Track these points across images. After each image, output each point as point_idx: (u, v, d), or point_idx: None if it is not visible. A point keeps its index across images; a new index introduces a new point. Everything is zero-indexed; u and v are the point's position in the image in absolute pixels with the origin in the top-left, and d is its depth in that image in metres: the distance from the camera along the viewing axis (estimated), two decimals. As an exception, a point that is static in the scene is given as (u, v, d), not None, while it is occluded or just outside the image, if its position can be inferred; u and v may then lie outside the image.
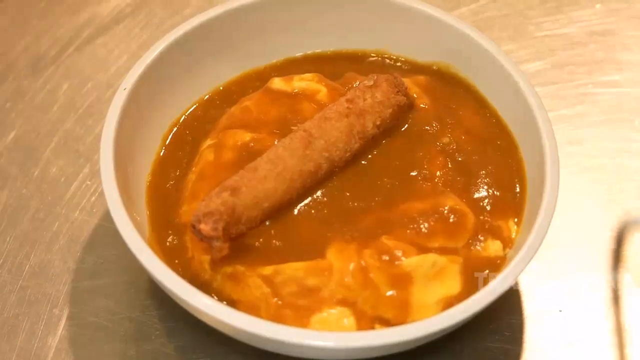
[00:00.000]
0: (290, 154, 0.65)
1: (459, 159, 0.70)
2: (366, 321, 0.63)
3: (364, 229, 0.65)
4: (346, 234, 0.65)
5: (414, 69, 0.79)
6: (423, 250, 0.64)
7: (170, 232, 0.69)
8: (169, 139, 0.75)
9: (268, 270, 0.63)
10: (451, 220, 0.66)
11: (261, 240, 0.65)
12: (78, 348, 0.70)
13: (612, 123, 0.86)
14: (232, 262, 0.64)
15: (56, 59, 0.91)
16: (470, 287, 0.65)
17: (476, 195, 0.69)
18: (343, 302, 0.63)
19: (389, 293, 0.63)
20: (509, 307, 0.72)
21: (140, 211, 0.69)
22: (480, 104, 0.76)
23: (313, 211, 0.67)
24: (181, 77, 0.76)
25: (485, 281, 0.65)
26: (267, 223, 0.65)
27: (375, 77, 0.71)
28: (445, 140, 0.71)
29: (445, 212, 0.66)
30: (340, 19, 0.80)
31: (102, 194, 0.73)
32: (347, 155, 0.68)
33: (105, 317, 0.71)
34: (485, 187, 0.70)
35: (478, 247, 0.66)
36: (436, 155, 0.70)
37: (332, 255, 0.64)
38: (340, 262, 0.63)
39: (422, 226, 0.65)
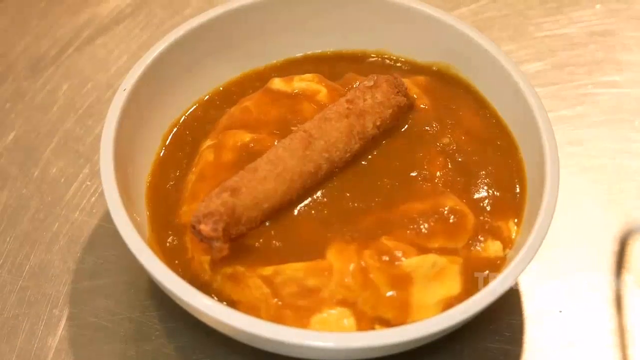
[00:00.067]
0: (290, 155, 0.65)
1: (459, 159, 0.70)
2: (366, 322, 0.63)
3: (364, 230, 0.65)
4: (346, 234, 0.65)
5: (414, 69, 0.79)
6: (423, 250, 0.64)
7: (170, 232, 0.69)
8: (168, 140, 0.75)
9: (268, 270, 0.63)
10: (451, 220, 0.66)
11: (261, 240, 0.65)
12: (78, 348, 0.70)
13: (612, 123, 0.86)
14: (232, 263, 0.64)
15: (56, 60, 0.91)
16: (471, 287, 0.65)
17: (476, 196, 0.69)
18: (343, 303, 0.63)
19: (389, 293, 0.63)
20: (509, 307, 0.72)
21: (140, 212, 0.69)
22: (480, 104, 0.76)
23: (313, 212, 0.67)
24: (181, 78, 0.76)
25: (486, 282, 0.65)
26: (267, 224, 0.65)
27: (375, 78, 0.71)
28: (445, 140, 0.71)
29: (445, 212, 0.66)
30: (340, 20, 0.80)
31: (102, 194, 0.73)
32: (347, 155, 0.68)
33: (105, 318, 0.71)
34: (485, 187, 0.70)
35: (478, 248, 0.66)
36: (436, 155, 0.70)
37: (332, 255, 0.64)
38: (340, 262, 0.63)
39: (422, 227, 0.65)
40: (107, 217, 0.76)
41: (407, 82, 0.73)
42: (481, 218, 0.68)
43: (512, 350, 0.70)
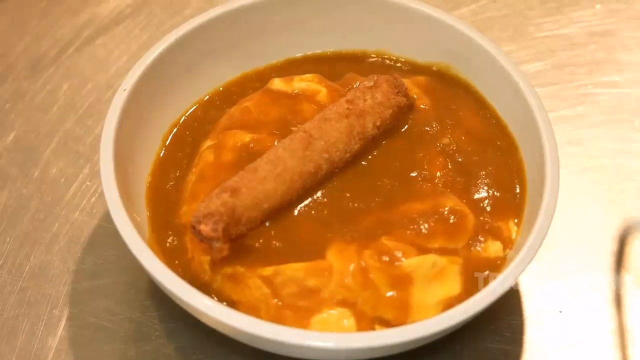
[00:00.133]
0: (290, 155, 0.65)
1: (459, 159, 0.70)
2: (366, 322, 0.63)
3: (364, 230, 0.65)
4: (346, 234, 0.65)
5: (414, 69, 0.79)
6: (423, 251, 0.64)
7: (170, 232, 0.69)
8: (169, 140, 0.75)
9: (268, 271, 0.63)
10: (451, 221, 0.66)
11: (261, 241, 0.65)
12: (78, 349, 0.70)
13: (612, 123, 0.86)
14: (232, 263, 0.64)
15: (56, 60, 0.91)
16: (471, 287, 0.65)
17: (476, 196, 0.69)
18: (343, 303, 0.63)
19: (389, 294, 0.63)
20: (509, 307, 0.72)
21: (140, 212, 0.69)
22: (480, 104, 0.76)
23: (313, 212, 0.67)
24: (181, 78, 0.76)
25: (486, 282, 0.65)
26: (267, 224, 0.65)
27: (376, 78, 0.71)
28: (445, 141, 0.71)
29: (445, 212, 0.66)
30: (341, 20, 0.80)
31: (102, 194, 0.72)
32: (347, 156, 0.68)
33: (105, 318, 0.71)
34: (486, 187, 0.70)
35: (478, 248, 0.66)
36: (436, 155, 0.70)
37: (332, 256, 0.64)
38: (340, 262, 0.63)
39: (422, 227, 0.65)
40: (107, 218, 0.76)
41: (407, 82, 0.73)
42: (481, 218, 0.67)
43: (512, 350, 0.70)
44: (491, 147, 0.72)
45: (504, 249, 0.67)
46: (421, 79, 0.76)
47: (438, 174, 0.69)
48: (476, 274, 0.65)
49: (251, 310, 0.63)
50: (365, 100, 0.69)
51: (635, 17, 0.95)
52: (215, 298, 0.64)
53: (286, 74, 0.76)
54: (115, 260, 0.74)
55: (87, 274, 0.74)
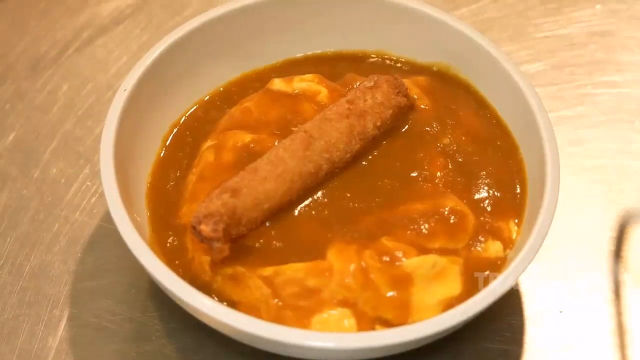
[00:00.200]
0: (290, 155, 0.65)
1: (460, 159, 0.70)
2: (367, 322, 0.63)
3: (365, 230, 0.65)
4: (346, 234, 0.65)
5: (414, 69, 0.79)
6: (423, 251, 0.64)
7: (170, 233, 0.68)
8: (169, 140, 0.75)
9: (268, 271, 0.63)
10: (451, 221, 0.66)
11: (261, 241, 0.65)
12: (78, 349, 0.70)
13: (612, 124, 0.86)
14: (232, 263, 0.64)
15: (56, 60, 0.91)
16: (471, 288, 0.65)
17: (477, 196, 0.69)
18: (343, 303, 0.63)
19: (390, 294, 0.63)
20: (510, 308, 0.72)
21: (140, 212, 0.69)
22: (480, 104, 0.76)
23: (313, 212, 0.67)
24: (181, 78, 0.76)
25: (486, 282, 0.65)
26: (268, 224, 0.65)
27: (376, 78, 0.71)
28: (446, 141, 0.71)
29: (446, 213, 0.66)
30: (341, 20, 0.80)
31: (102, 194, 0.72)
32: (348, 156, 0.68)
33: (106, 318, 0.71)
34: (486, 188, 0.70)
35: (478, 248, 0.66)
36: (436, 156, 0.70)
37: (333, 256, 0.64)
38: (341, 263, 0.63)
39: (422, 227, 0.65)
40: (107, 218, 0.76)
41: (407, 82, 0.73)
42: (482, 218, 0.68)
43: (512, 350, 0.70)
44: (491, 147, 0.72)
45: (505, 249, 0.67)
46: (421, 79, 0.76)
47: (438, 174, 0.69)
48: (476, 274, 0.65)
49: (251, 310, 0.63)
50: (365, 101, 0.69)
51: (635, 17, 0.95)
52: (216, 298, 0.64)
53: (286, 74, 0.76)
54: (116, 261, 0.74)
55: (88, 274, 0.74)
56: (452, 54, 0.77)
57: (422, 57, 0.79)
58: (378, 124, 0.69)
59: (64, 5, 0.96)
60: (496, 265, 0.66)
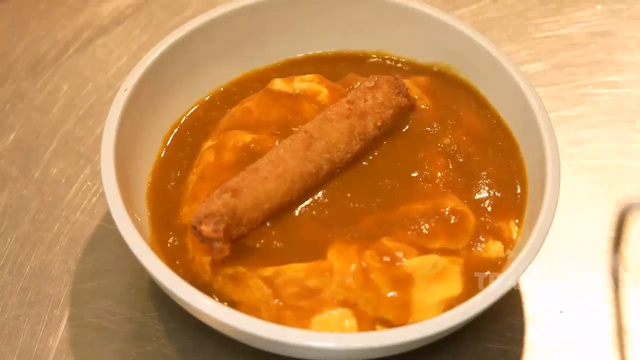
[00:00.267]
0: (291, 155, 0.65)
1: (460, 160, 0.70)
2: (367, 322, 0.63)
3: (365, 230, 0.65)
4: (347, 235, 0.65)
5: (415, 70, 0.79)
6: (424, 251, 0.64)
7: (171, 233, 0.68)
8: (169, 140, 0.75)
9: (269, 271, 0.63)
10: (452, 221, 0.66)
11: (262, 241, 0.65)
12: (79, 349, 0.70)
13: (612, 124, 0.86)
14: (232, 263, 0.64)
15: (56, 60, 0.91)
16: (471, 288, 0.65)
17: (477, 196, 0.69)
18: (344, 303, 0.63)
19: (390, 294, 0.63)
20: (510, 308, 0.72)
21: (140, 212, 0.69)
22: (480, 105, 0.76)
23: (314, 212, 0.67)
24: (182, 78, 0.76)
25: (486, 282, 0.65)
26: (268, 224, 0.65)
27: (376, 78, 0.71)
28: (446, 141, 0.71)
29: (446, 213, 0.66)
30: (341, 20, 0.80)
31: (102, 195, 0.72)
32: (348, 156, 0.68)
33: (106, 318, 0.71)
34: (486, 188, 0.70)
35: (479, 248, 0.66)
36: (437, 156, 0.70)
37: (333, 256, 0.64)
38: (341, 263, 0.63)
39: (423, 227, 0.65)
40: (108, 218, 0.76)
41: (407, 82, 0.73)
42: (482, 219, 0.68)
43: (513, 350, 0.70)
44: (492, 147, 0.72)
45: (505, 249, 0.67)
46: (422, 79, 0.76)
47: (439, 174, 0.69)
48: (477, 274, 0.65)
49: (252, 310, 0.63)
50: (366, 101, 0.69)
51: (636, 17, 0.95)
52: (216, 298, 0.64)
53: (287, 74, 0.76)
54: (116, 261, 0.74)
55: (88, 274, 0.74)
56: (453, 54, 0.78)
57: (423, 57, 0.79)
58: (379, 124, 0.69)
59: (64, 5, 0.96)
60: (497, 266, 0.66)
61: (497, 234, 0.67)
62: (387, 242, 0.64)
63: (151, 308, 0.72)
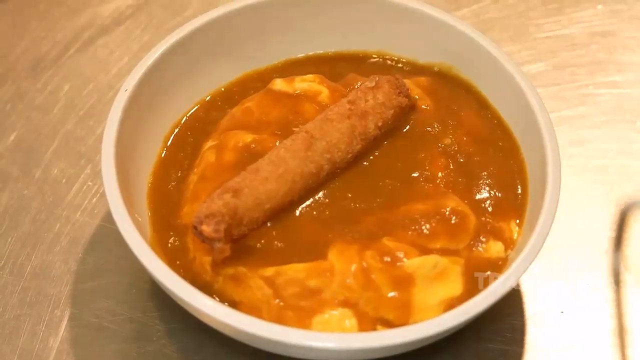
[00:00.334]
0: (291, 155, 0.65)
1: (461, 160, 0.70)
2: (368, 322, 0.63)
3: (366, 230, 0.65)
4: (348, 235, 0.65)
5: (416, 70, 0.79)
6: (425, 251, 0.64)
7: (171, 233, 0.68)
8: (170, 140, 0.75)
9: (269, 271, 0.63)
10: (453, 221, 0.66)
11: (263, 241, 0.65)
12: (79, 349, 0.70)
13: (613, 124, 0.86)
14: (233, 264, 0.64)
15: (57, 61, 0.91)
16: (472, 288, 0.65)
17: (478, 197, 0.69)
18: (345, 304, 0.63)
19: (391, 294, 0.63)
20: (511, 308, 0.72)
21: (141, 212, 0.69)
22: (481, 105, 0.76)
23: (314, 212, 0.67)
24: (182, 79, 0.76)
25: (487, 282, 0.65)
26: (269, 224, 0.65)
27: (377, 79, 0.71)
28: (447, 141, 0.71)
29: (447, 213, 0.66)
30: (342, 20, 0.80)
31: (103, 195, 0.72)
32: (349, 156, 0.68)
33: (107, 318, 0.71)
34: (487, 188, 0.70)
35: (480, 249, 0.66)
36: (438, 156, 0.70)
37: (334, 256, 0.64)
38: (342, 263, 0.63)
39: (423, 227, 0.65)
40: (108, 218, 0.76)
41: (408, 82, 0.73)
42: (483, 219, 0.67)
43: (513, 350, 0.70)
44: (493, 147, 0.72)
45: (506, 249, 0.67)
46: (423, 79, 0.76)
47: (440, 174, 0.69)
48: (478, 275, 0.65)
49: (253, 310, 0.63)
50: (366, 101, 0.69)
51: (637, 17, 0.95)
52: (217, 298, 0.64)
53: (287, 74, 0.76)
54: (117, 261, 0.74)
55: (89, 275, 0.74)
56: (454, 55, 0.77)
57: (424, 58, 0.79)
58: (379, 124, 0.69)
59: (64, 5, 0.96)
60: (497, 266, 0.66)
61: (497, 234, 0.67)
62: (387, 242, 0.64)
63: (152, 308, 0.72)
